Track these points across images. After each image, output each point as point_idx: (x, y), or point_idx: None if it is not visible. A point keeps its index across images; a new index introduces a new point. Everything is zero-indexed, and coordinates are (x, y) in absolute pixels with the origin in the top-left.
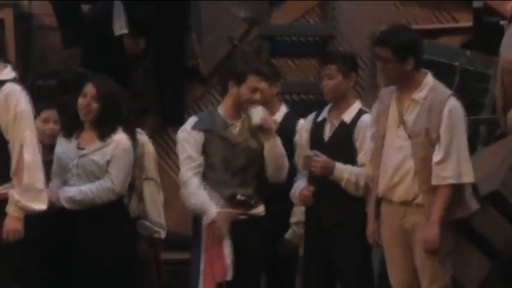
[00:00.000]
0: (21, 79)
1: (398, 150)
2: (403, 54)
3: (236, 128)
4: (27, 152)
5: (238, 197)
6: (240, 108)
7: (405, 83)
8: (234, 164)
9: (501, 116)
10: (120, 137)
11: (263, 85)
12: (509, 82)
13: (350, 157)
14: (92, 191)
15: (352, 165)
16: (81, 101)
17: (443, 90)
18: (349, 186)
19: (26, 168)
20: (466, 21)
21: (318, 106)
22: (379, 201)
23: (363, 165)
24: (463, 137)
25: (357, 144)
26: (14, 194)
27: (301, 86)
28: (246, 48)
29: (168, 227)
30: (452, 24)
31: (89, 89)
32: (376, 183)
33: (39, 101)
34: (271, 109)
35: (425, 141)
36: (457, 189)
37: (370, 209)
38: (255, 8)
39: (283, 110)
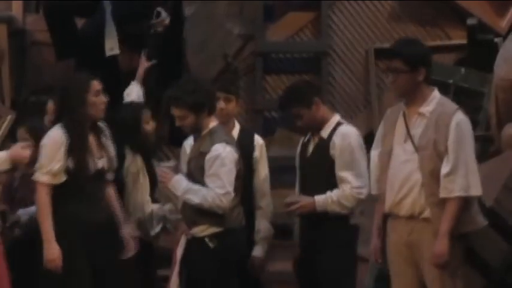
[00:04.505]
0: (16, 94)
1: (405, 163)
2: (415, 65)
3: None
4: None
5: (167, 216)
6: None
7: (414, 97)
8: None
9: (495, 133)
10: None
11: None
12: (503, 99)
13: (330, 171)
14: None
15: (333, 178)
16: None
17: (450, 104)
18: (335, 210)
19: None
20: (459, 38)
21: None
22: (385, 218)
23: (341, 179)
24: (470, 150)
25: (335, 154)
26: None
27: None
28: (238, 66)
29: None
30: (446, 42)
31: None
32: (383, 200)
33: (33, 116)
34: (228, 126)
35: (433, 154)
36: (465, 203)
37: (374, 227)
38: (249, 24)
39: (237, 127)
